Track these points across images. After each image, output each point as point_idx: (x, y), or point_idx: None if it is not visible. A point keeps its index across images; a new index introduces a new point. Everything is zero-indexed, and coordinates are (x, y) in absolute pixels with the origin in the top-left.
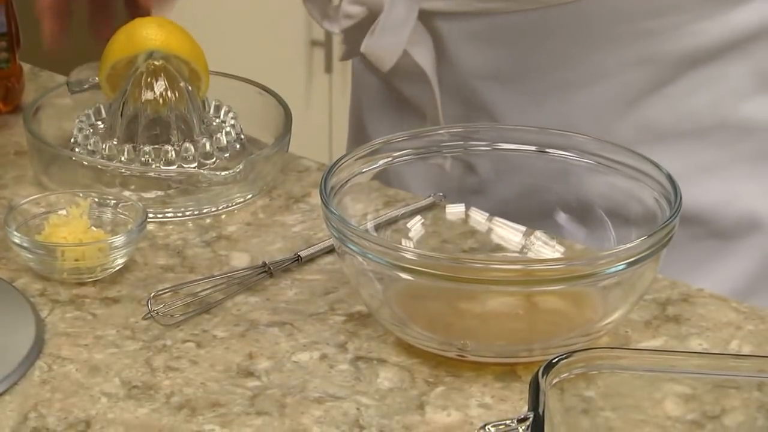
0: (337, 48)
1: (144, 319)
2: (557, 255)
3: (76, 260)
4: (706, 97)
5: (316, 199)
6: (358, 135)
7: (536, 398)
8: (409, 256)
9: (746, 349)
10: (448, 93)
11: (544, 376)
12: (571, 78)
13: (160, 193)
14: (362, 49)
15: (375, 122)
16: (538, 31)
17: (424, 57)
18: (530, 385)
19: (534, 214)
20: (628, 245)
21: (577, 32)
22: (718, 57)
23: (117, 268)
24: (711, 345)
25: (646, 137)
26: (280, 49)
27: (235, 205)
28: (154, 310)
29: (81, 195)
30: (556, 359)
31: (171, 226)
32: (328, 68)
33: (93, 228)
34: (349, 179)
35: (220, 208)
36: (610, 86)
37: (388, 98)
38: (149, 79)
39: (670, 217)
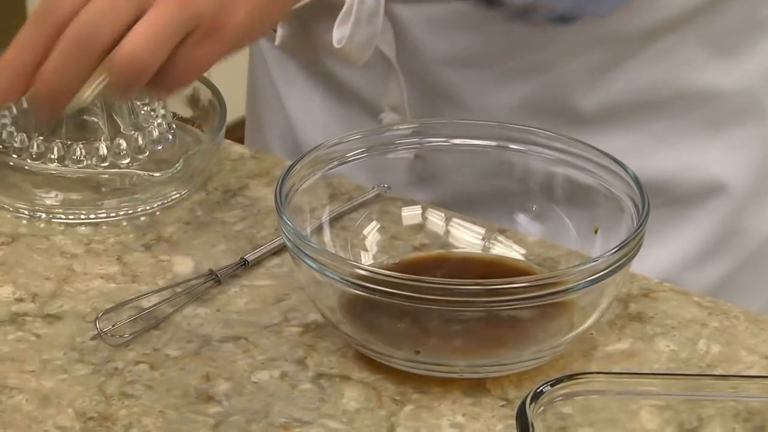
0: None
1: (91, 339)
2: (514, 253)
3: None
4: (662, 69)
5: (253, 191)
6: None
7: None
8: (367, 273)
9: (714, 349)
10: (407, 80)
11: (531, 405)
12: (534, 60)
13: (92, 193)
14: (336, 43)
15: (299, 113)
16: (501, 17)
17: (388, 45)
18: (517, 418)
19: (491, 210)
20: (599, 261)
21: None
22: (675, 29)
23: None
24: (678, 346)
25: (605, 114)
26: None
27: (170, 201)
28: (102, 331)
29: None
30: (541, 388)
31: (105, 227)
32: None
33: None
34: (301, 183)
35: (155, 206)
36: (572, 66)
37: (314, 87)
38: None
39: (639, 225)
